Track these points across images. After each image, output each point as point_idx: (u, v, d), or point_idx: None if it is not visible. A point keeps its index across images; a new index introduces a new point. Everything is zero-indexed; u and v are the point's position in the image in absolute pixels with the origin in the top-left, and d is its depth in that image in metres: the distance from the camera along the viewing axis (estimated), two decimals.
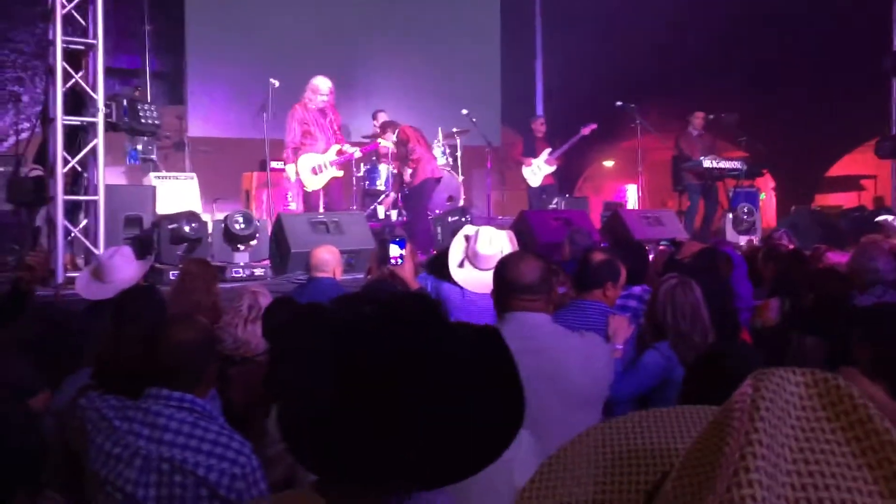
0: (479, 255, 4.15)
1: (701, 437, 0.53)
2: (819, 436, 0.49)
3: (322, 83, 8.18)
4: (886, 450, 0.48)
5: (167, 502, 1.99)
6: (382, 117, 10.11)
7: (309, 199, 8.38)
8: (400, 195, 9.53)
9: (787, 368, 0.52)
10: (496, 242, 4.19)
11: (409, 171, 8.86)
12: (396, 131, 8.96)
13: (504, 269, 2.75)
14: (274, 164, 9.27)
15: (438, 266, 4.35)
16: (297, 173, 8.23)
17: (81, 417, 2.13)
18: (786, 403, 0.50)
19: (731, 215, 9.21)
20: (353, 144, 9.03)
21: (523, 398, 0.98)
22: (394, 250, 4.05)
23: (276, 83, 8.70)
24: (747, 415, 0.49)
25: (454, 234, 4.47)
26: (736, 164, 9.83)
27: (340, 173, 8.52)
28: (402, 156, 8.96)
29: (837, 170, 14.29)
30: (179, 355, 2.14)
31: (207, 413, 2.09)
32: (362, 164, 9.45)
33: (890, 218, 8.50)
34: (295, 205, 9.04)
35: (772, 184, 14.54)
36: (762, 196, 11.74)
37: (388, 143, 9.30)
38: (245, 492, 2.01)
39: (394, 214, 9.53)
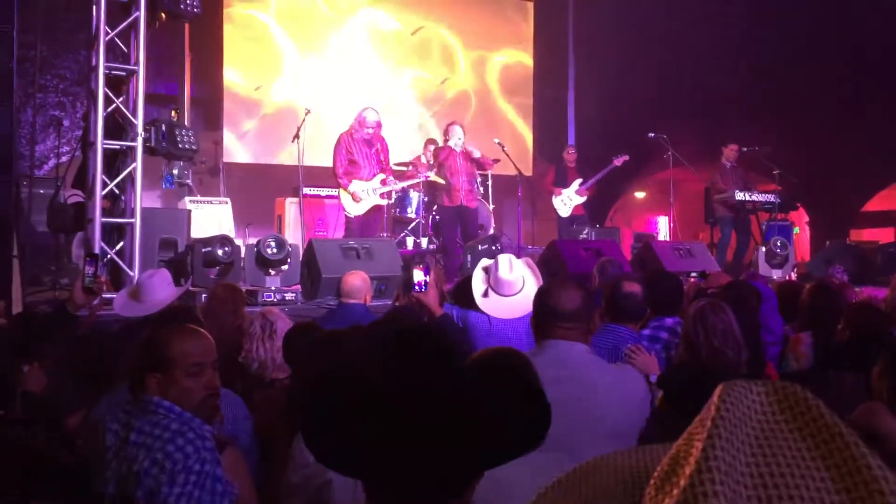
0: (501, 280, 4.21)
1: (677, 445, 0.59)
2: (777, 435, 0.56)
3: (370, 115, 8.30)
4: (836, 441, 0.54)
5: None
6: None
7: (350, 224, 8.45)
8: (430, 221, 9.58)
9: (750, 380, 0.59)
10: (517, 268, 4.26)
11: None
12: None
13: (545, 296, 2.73)
14: (307, 191, 9.34)
15: (463, 296, 4.40)
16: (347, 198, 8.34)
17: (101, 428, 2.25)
18: (747, 409, 0.57)
19: (763, 249, 9.10)
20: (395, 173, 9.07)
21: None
22: (418, 276, 4.08)
23: (310, 110, 8.81)
24: (710, 419, 0.56)
25: None
26: (769, 197, 9.74)
27: (384, 202, 8.60)
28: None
29: (873, 205, 14.10)
30: None
31: (177, 414, 2.17)
32: (393, 192, 9.51)
33: None
34: (339, 231, 9.10)
35: (806, 218, 14.38)
36: (796, 230, 11.60)
37: (438, 178, 9.35)
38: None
39: (424, 242, 9.56)
